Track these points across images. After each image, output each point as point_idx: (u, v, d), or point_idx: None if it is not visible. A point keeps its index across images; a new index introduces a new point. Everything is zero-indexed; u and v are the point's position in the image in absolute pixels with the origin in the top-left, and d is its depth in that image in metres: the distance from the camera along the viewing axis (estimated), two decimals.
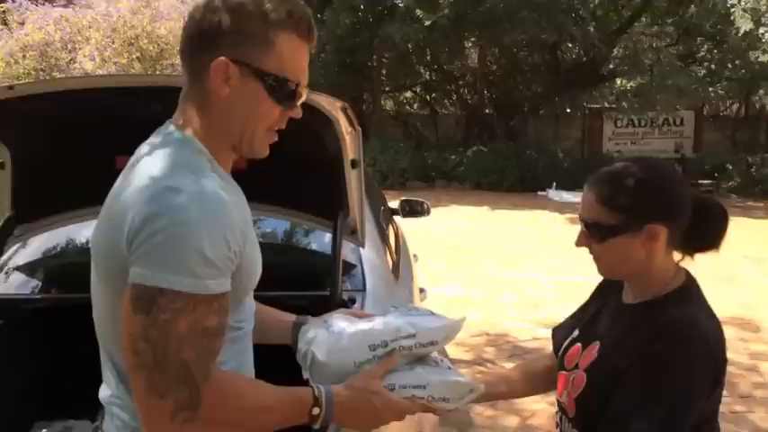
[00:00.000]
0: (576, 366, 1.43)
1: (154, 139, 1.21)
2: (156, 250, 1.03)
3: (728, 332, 5.03)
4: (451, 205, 13.41)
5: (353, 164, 2.07)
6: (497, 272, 7.83)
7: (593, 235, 1.36)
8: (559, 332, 1.60)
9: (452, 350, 5.03)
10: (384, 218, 3.52)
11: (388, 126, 18.42)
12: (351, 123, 2.02)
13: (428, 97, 20.14)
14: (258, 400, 1.17)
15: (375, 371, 1.28)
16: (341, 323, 1.37)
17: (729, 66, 16.67)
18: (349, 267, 2.49)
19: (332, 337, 1.33)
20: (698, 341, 1.26)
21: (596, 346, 1.41)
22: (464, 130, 18.43)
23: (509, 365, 4.79)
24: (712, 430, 1.36)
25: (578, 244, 1.41)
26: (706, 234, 1.37)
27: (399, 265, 3.04)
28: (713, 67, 16.87)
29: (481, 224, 11.73)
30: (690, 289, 1.37)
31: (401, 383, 1.28)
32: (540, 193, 15.13)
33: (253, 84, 1.17)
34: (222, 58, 1.14)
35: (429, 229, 9.64)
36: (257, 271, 1.25)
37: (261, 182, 2.25)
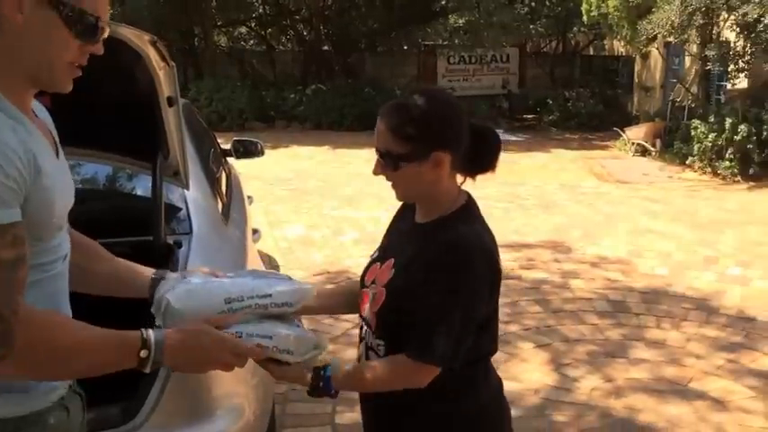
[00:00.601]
0: (374, 282, 1.55)
1: None
2: None
3: (544, 254, 5.52)
4: (292, 146, 13.30)
5: (170, 101, 1.99)
6: (338, 211, 7.94)
7: (387, 164, 1.46)
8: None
9: None
10: (214, 159, 3.41)
11: (223, 63, 17.63)
12: (163, 58, 1.92)
13: (263, 33, 19.48)
14: (78, 339, 1.15)
15: (214, 318, 1.31)
16: (199, 278, 1.41)
17: (547, 3, 17.74)
18: (173, 210, 2.41)
19: (187, 286, 1.37)
20: (481, 252, 1.44)
21: (391, 262, 1.53)
22: (302, 67, 18.11)
23: None
24: (491, 330, 1.54)
25: (375, 172, 1.50)
26: (484, 158, 1.51)
27: (230, 206, 2.98)
28: (533, 4, 17.85)
29: (322, 164, 11.77)
30: (471, 208, 1.53)
31: (248, 332, 1.33)
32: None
33: (48, 13, 1.13)
34: None
35: (270, 171, 9.52)
36: (58, 206, 1.21)
37: (73, 124, 2.09)
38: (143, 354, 1.20)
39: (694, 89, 12.71)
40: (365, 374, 1.47)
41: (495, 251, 1.49)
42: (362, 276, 1.61)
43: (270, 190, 8.80)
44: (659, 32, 10.84)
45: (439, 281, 1.40)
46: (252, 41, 20.34)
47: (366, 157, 13.12)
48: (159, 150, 2.16)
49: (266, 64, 18.21)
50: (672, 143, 11.57)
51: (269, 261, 4.66)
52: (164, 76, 1.95)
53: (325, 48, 18.45)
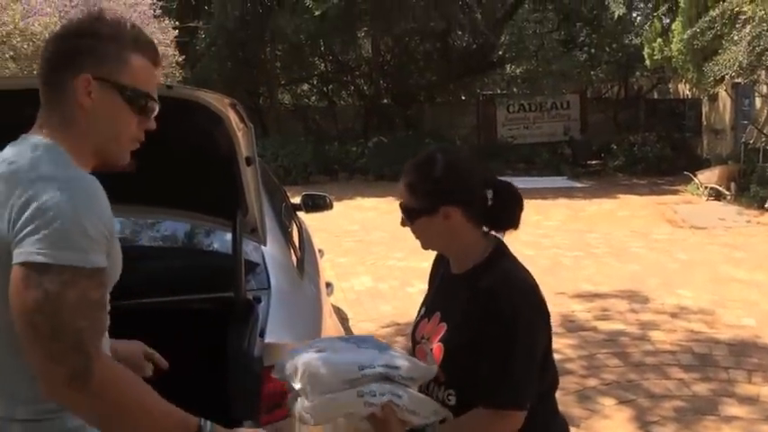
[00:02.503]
0: (423, 338, 1.62)
1: (17, 147, 1.30)
2: (39, 230, 1.14)
3: (619, 304, 5.31)
4: (356, 197, 13.43)
5: (248, 161, 2.04)
6: (404, 262, 7.90)
7: (406, 216, 1.59)
8: (418, 312, 1.77)
9: None
10: (286, 214, 3.46)
11: (288, 120, 18.17)
12: (242, 120, 1.98)
13: (325, 89, 20.02)
14: (146, 401, 1.23)
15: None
16: (325, 344, 1.56)
17: (607, 49, 17.61)
18: (252, 266, 2.43)
19: (321, 354, 1.48)
20: (521, 288, 1.51)
21: (437, 316, 1.61)
22: (363, 121, 18.46)
23: None
24: (549, 363, 1.59)
25: (401, 224, 1.62)
26: (503, 214, 1.58)
27: (304, 261, 2.99)
28: (593, 51, 17.76)
29: (386, 215, 11.79)
30: (501, 251, 1.59)
31: (381, 390, 1.44)
32: None
33: (112, 95, 1.32)
34: (86, 74, 1.29)
35: (335, 223, 9.61)
36: (118, 270, 1.35)
37: (156, 184, 2.16)
38: None
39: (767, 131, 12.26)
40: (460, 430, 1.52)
41: (535, 283, 1.55)
42: (413, 332, 1.69)
43: (336, 242, 8.86)
44: (727, 74, 10.57)
45: (493, 329, 1.46)
46: (314, 98, 20.91)
47: None
48: (238, 208, 2.20)
49: (329, 119, 18.65)
50: (748, 186, 11.13)
51: (338, 313, 4.66)
52: (242, 137, 2.01)
53: (385, 101, 18.79)
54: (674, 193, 13.16)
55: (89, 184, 1.23)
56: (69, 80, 1.30)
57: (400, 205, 1.60)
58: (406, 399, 1.44)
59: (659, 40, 13.30)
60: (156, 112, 1.40)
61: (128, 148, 1.38)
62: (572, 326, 5.37)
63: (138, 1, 9.89)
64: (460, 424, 1.51)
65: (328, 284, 3.74)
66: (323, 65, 19.68)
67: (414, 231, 1.60)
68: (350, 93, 20.25)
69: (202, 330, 2.25)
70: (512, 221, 1.59)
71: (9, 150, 1.30)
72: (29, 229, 1.14)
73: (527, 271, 1.58)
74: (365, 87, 19.46)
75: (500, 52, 17.19)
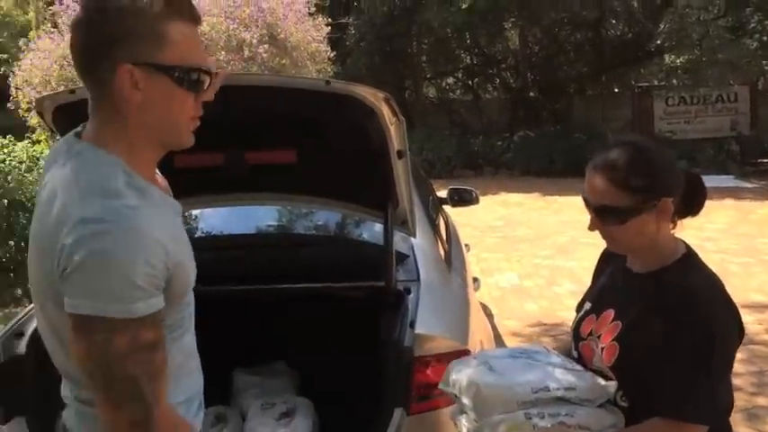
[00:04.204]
0: (591, 335, 1.52)
1: (64, 158, 1.22)
2: (84, 282, 1.09)
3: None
4: (500, 192, 13.24)
5: (399, 154, 2.07)
6: (551, 260, 7.68)
7: (610, 219, 1.44)
8: (578, 308, 1.68)
9: (509, 341, 4.95)
10: (433, 207, 3.47)
11: (432, 113, 18.26)
12: (394, 114, 2.01)
13: (470, 82, 19.89)
14: None
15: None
16: (496, 359, 1.50)
17: None
18: (401, 258, 2.47)
19: (494, 372, 1.44)
20: (722, 299, 1.42)
21: (610, 313, 1.50)
22: (509, 114, 18.13)
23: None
24: (729, 381, 1.50)
25: (592, 228, 1.49)
26: (694, 203, 1.49)
27: (451, 254, 2.99)
28: (765, 38, 16.16)
29: (532, 211, 11.54)
30: (694, 255, 1.50)
31: (550, 412, 1.39)
32: None
33: (161, 80, 1.18)
34: (124, 65, 1.15)
35: (479, 218, 9.53)
36: (191, 273, 1.28)
37: (312, 175, 2.25)
38: None
39: None
40: None
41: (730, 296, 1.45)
42: (576, 328, 1.60)
43: (480, 237, 8.78)
44: None
45: (686, 335, 1.36)
46: (459, 91, 20.84)
47: (578, 204, 12.56)
48: (389, 200, 2.24)
49: (473, 112, 18.50)
50: None
51: (483, 309, 4.61)
52: (394, 131, 2.04)
53: (532, 94, 18.33)
54: None
55: (138, 223, 1.12)
56: (108, 75, 1.16)
57: (596, 206, 1.45)
58: (580, 416, 1.40)
59: None
60: (210, 83, 1.24)
61: (190, 129, 1.26)
62: (744, 339, 4.94)
63: None
64: None
65: (475, 279, 3.72)
66: (468, 58, 19.56)
67: (614, 233, 1.47)
68: (495, 86, 19.98)
69: (353, 317, 2.32)
70: (697, 209, 1.51)
71: (64, 163, 1.21)
72: (74, 278, 1.10)
73: (719, 278, 1.47)
74: (511, 80, 19.11)
75: (658, 41, 16.13)
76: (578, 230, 9.47)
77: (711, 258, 7.55)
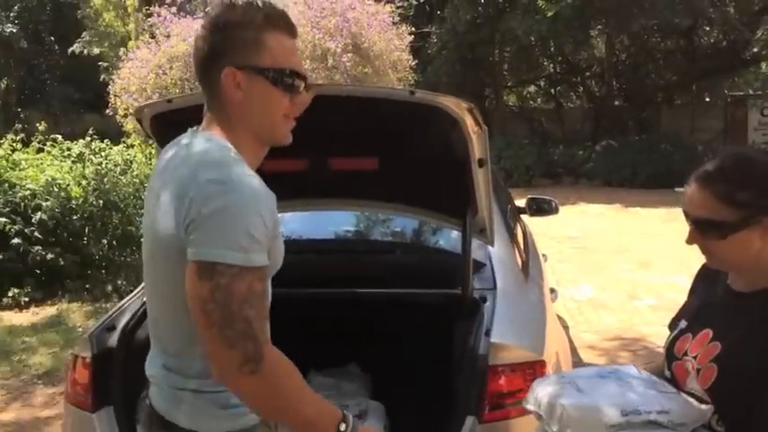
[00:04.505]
0: (686, 354, 1.45)
1: (186, 142, 1.40)
2: (211, 231, 1.24)
3: None
4: (580, 203, 12.95)
5: (480, 163, 2.08)
6: (631, 273, 7.46)
7: (711, 233, 1.37)
8: (671, 326, 1.60)
9: (585, 354, 4.85)
10: (511, 216, 3.46)
11: (512, 122, 18.08)
12: (477, 123, 2.03)
13: (552, 91, 19.57)
14: (304, 388, 1.31)
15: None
16: (583, 380, 1.43)
17: None
18: (478, 266, 2.48)
19: (582, 393, 1.39)
20: None
21: (708, 333, 1.43)
22: (592, 123, 17.70)
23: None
24: None
25: (690, 242, 1.42)
26: None
27: (528, 264, 2.97)
28: None
29: (612, 223, 11.23)
30: None
31: (645, 409, 1.34)
32: (677, 189, 14.20)
33: (258, 80, 1.36)
34: (229, 68, 1.34)
35: (557, 229, 9.35)
36: (281, 254, 1.40)
37: (395, 182, 2.30)
38: (342, 427, 1.34)
39: None
40: None
41: None
42: (670, 347, 1.52)
43: (557, 248, 8.62)
44: None
45: None
46: (540, 99, 20.54)
47: (662, 216, 12.25)
48: (468, 208, 2.25)
49: (555, 121, 18.22)
50: None
51: (560, 321, 4.54)
52: (476, 140, 2.05)
53: (617, 103, 17.84)
54: None
55: (255, 187, 1.29)
56: (217, 78, 1.36)
57: (696, 219, 1.39)
58: (673, 414, 1.34)
59: None
60: (305, 87, 1.41)
61: (287, 128, 1.42)
62: None
63: (379, 9, 10.50)
64: None
65: (552, 290, 3.67)
66: (551, 66, 19.27)
67: (713, 249, 1.39)
68: (578, 94, 19.59)
69: (429, 324, 2.34)
70: None
71: (186, 143, 1.40)
72: (202, 229, 1.24)
73: None
74: (595, 88, 18.67)
75: (755, 49, 15.42)
76: (661, 243, 9.15)
77: None
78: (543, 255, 3.82)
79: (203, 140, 1.37)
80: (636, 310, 6.04)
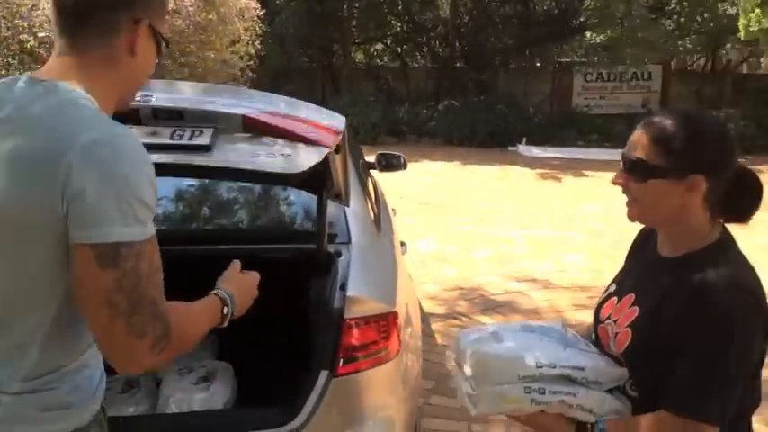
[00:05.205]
0: (609, 318, 1.47)
1: (39, 91, 1.18)
2: (104, 205, 1.08)
3: None
4: (423, 160, 13.39)
5: (337, 149, 2.04)
6: (470, 227, 7.89)
7: (636, 174, 1.36)
8: (606, 289, 1.60)
9: (427, 304, 5.09)
10: (363, 172, 3.50)
11: (359, 79, 18.16)
12: None
13: (399, 49, 19.87)
14: (191, 314, 1.28)
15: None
16: (507, 332, 1.45)
17: (698, 19, 16.71)
18: (334, 222, 2.48)
19: (501, 344, 1.40)
20: (746, 295, 1.29)
21: (631, 298, 1.44)
22: (435, 83, 18.28)
23: (483, 319, 4.87)
24: (756, 382, 1.39)
25: (615, 181, 1.41)
26: (741, 205, 1.38)
27: (380, 218, 3.03)
28: (682, 19, 16.89)
29: (453, 179, 11.75)
30: (728, 244, 1.38)
31: (552, 389, 1.36)
32: (510, 148, 15.18)
33: (152, 44, 1.28)
34: (145, 21, 1.24)
35: (401, 185, 9.62)
36: None
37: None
38: (225, 310, 1.36)
39: None
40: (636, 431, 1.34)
41: (763, 293, 1.32)
42: (597, 310, 1.53)
43: (402, 203, 8.88)
44: None
45: (701, 329, 1.27)
46: (387, 58, 20.80)
47: (497, 174, 13.03)
48: (325, 184, 2.24)
49: (400, 80, 18.54)
50: None
51: None
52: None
53: (459, 64, 18.51)
54: (759, 173, 12.55)
55: (140, 146, 1.15)
56: (125, 24, 1.22)
57: (628, 159, 1.37)
58: (582, 397, 1.35)
59: (757, 10, 12.54)
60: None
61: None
62: None
63: None
64: (640, 422, 1.34)
65: (402, 243, 3.78)
66: (399, 24, 19.50)
67: (635, 194, 1.38)
68: (423, 54, 20.04)
69: (283, 280, 2.33)
70: (745, 213, 1.38)
71: (39, 92, 1.17)
72: (93, 203, 1.08)
73: (753, 270, 1.35)
74: (440, 49, 19.20)
75: (582, 18, 16.59)
76: (496, 199, 9.76)
77: (615, 226, 7.95)
78: (393, 209, 3.92)
79: (69, 92, 1.17)
80: (473, 261, 6.42)
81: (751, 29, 12.39)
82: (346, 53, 18.55)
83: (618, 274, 1.59)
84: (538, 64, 18.57)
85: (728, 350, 1.26)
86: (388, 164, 4.79)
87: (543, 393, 1.34)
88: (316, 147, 1.85)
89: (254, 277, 1.52)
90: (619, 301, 1.46)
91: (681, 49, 16.92)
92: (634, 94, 17.70)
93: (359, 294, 2.09)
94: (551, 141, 15.42)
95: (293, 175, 1.83)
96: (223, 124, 1.85)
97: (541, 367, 1.35)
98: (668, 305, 1.33)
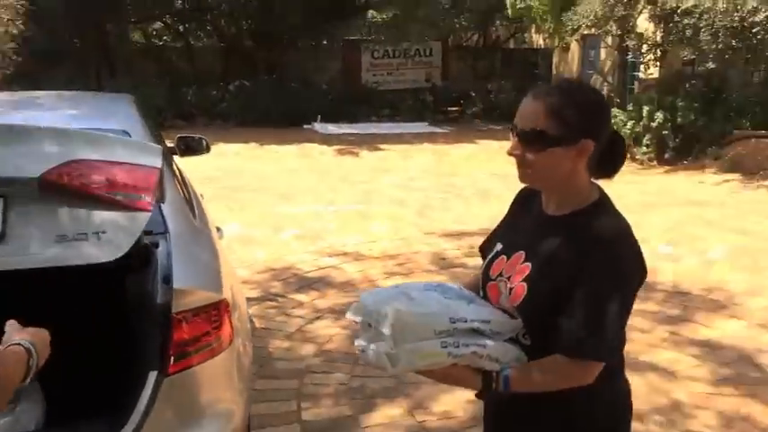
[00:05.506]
0: (501, 275, 1.55)
1: None
2: None
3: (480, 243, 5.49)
4: (218, 143, 12.88)
5: None
6: (274, 207, 7.82)
7: (532, 144, 1.44)
8: (485, 248, 1.68)
9: (242, 288, 4.97)
10: (169, 158, 3.28)
11: (139, 60, 17.01)
12: None
13: (181, 28, 18.89)
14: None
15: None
16: (414, 293, 1.48)
17: None
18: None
19: (413, 301, 1.44)
20: (631, 243, 1.45)
21: (521, 255, 1.53)
22: (223, 63, 17.70)
23: (300, 297, 4.87)
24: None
25: (511, 152, 1.48)
26: (613, 163, 1.52)
27: (194, 204, 2.88)
28: None
29: (252, 161, 11.55)
30: (607, 201, 1.52)
31: (464, 342, 1.42)
32: (306, 126, 15.25)
33: None
34: None
35: (195, 169, 9.21)
36: None
37: None
38: (31, 362, 1.23)
39: (610, 79, 13.25)
40: (533, 376, 1.46)
41: (636, 238, 1.47)
42: (486, 269, 1.60)
43: (201, 188, 8.51)
44: (584, 23, 11.25)
45: (592, 278, 1.39)
46: (168, 37, 19.69)
47: (296, 152, 13.04)
48: None
49: (185, 60, 17.69)
50: None
51: None
52: None
53: (247, 43, 18.09)
54: None
55: None
56: None
57: (522, 130, 1.45)
58: (491, 348, 1.44)
59: None
60: None
61: None
62: (444, 263, 5.63)
63: None
64: (536, 367, 1.46)
65: (218, 229, 3.63)
66: (179, 2, 18.51)
67: (530, 161, 1.46)
68: (208, 33, 19.27)
69: (102, 283, 2.11)
70: (613, 170, 1.53)
71: None
72: None
73: (628, 224, 1.49)
74: (225, 28, 18.59)
75: None
76: (298, 178, 9.79)
77: (416, 196, 8.46)
78: (201, 195, 3.75)
79: None
80: (282, 241, 6.38)
81: (518, 7, 13.62)
82: (123, 33, 17.25)
83: (497, 234, 1.68)
84: (325, 42, 18.76)
85: (619, 294, 1.41)
86: (189, 148, 4.57)
87: (458, 347, 1.41)
88: (132, 213, 1.65)
89: (45, 333, 1.36)
90: (508, 259, 1.55)
91: (457, 26, 18.12)
92: (418, 70, 18.67)
93: (185, 286, 1.97)
94: (345, 118, 15.76)
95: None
96: (15, 190, 1.53)
97: (455, 322, 1.42)
98: (560, 258, 1.45)
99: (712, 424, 3.19)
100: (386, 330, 1.40)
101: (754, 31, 9.61)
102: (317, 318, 4.45)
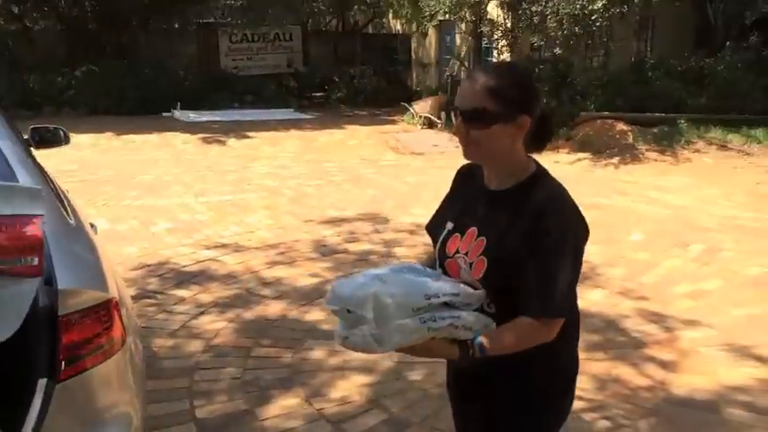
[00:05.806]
0: (458, 252, 1.63)
1: None
2: None
3: (364, 226, 5.72)
4: (69, 134, 12.07)
5: None
6: (141, 200, 7.43)
7: (476, 121, 1.54)
8: (433, 228, 1.75)
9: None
10: (29, 153, 3.01)
11: None
12: None
13: (16, 9, 17.27)
14: None
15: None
16: (386, 277, 1.54)
17: None
18: None
19: (386, 284, 1.50)
20: (574, 209, 1.57)
21: (474, 231, 1.61)
22: (67, 47, 16.43)
23: (180, 293, 4.66)
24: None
25: (457, 131, 1.59)
26: (543, 137, 1.64)
27: (64, 200, 2.67)
28: None
29: (109, 152, 10.88)
30: (545, 171, 1.63)
31: (440, 315, 1.51)
32: (165, 114, 14.56)
33: None
34: None
35: (46, 162, 8.54)
36: None
37: None
38: None
39: (467, 64, 13.79)
40: (504, 339, 1.54)
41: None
42: (442, 247, 1.67)
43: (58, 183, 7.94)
44: (440, 10, 11.58)
45: (544, 244, 1.49)
46: (0, 19, 17.94)
47: (156, 142, 12.41)
48: None
49: (23, 44, 16.24)
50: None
51: None
52: None
53: (92, 26, 16.90)
54: (393, 123, 14.22)
55: None
56: None
57: (466, 109, 1.55)
58: (464, 318, 1.53)
59: None
60: None
61: None
62: (325, 250, 5.62)
63: None
64: (505, 331, 1.55)
65: (92, 225, 3.38)
66: None
67: (476, 138, 1.55)
68: (47, 14, 17.79)
69: None
70: (542, 145, 1.64)
71: None
72: None
73: (566, 189, 1.61)
74: (66, 9, 17.24)
75: None
76: (162, 169, 9.34)
77: (289, 184, 8.38)
78: (66, 190, 3.48)
79: None
80: (154, 235, 6.08)
81: None
82: None
83: (444, 213, 1.75)
84: (177, 26, 17.94)
85: (570, 254, 1.52)
86: (44, 139, 4.22)
87: (435, 321, 1.50)
88: (17, 283, 1.49)
89: None
90: (462, 236, 1.64)
91: (315, 10, 18.02)
92: (278, 55, 18.39)
93: (70, 286, 1.83)
94: (206, 105, 15.22)
95: None
96: None
97: (429, 298, 1.51)
98: (513, 229, 1.55)
99: (587, 387, 3.41)
100: (368, 314, 1.46)
101: (593, 18, 10.37)
102: (202, 313, 4.29)
